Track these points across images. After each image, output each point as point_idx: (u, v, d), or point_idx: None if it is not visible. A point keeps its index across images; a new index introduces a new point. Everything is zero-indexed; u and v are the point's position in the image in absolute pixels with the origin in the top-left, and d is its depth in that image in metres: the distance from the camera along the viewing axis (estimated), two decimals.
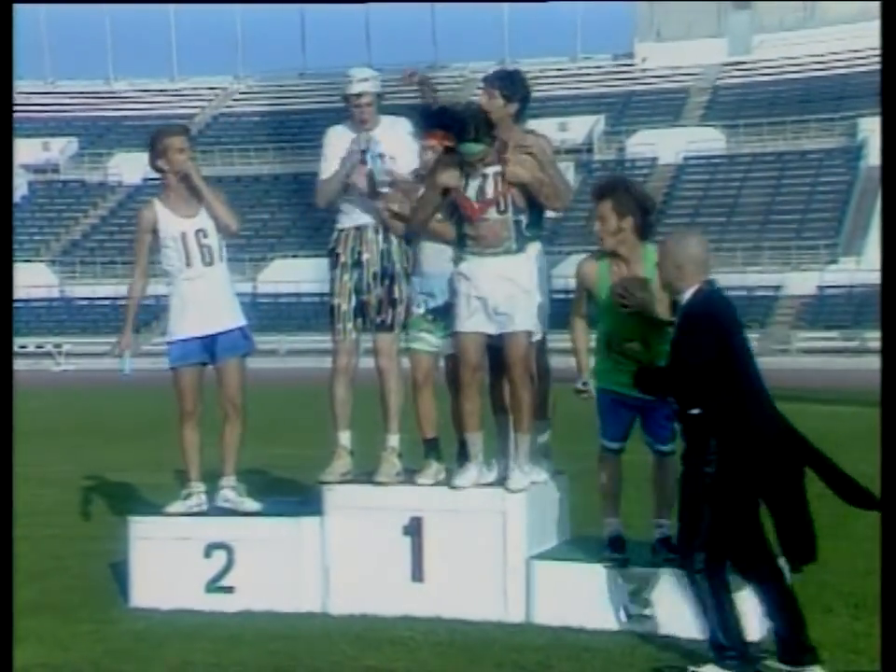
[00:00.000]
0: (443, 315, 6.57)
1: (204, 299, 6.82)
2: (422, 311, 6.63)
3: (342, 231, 6.74)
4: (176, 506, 6.87)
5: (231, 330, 6.87)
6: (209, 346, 6.84)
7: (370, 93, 6.65)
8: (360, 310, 6.69)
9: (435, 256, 6.58)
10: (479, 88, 6.68)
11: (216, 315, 6.82)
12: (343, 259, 6.70)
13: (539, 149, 6.43)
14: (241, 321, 6.95)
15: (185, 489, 6.91)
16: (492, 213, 6.31)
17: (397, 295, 6.65)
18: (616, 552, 6.21)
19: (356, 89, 6.64)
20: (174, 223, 6.86)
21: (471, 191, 6.32)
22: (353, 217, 6.71)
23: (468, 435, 6.48)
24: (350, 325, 6.70)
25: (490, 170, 6.31)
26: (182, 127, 7.18)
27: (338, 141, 6.75)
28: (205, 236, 6.85)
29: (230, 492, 6.85)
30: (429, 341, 6.62)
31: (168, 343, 6.89)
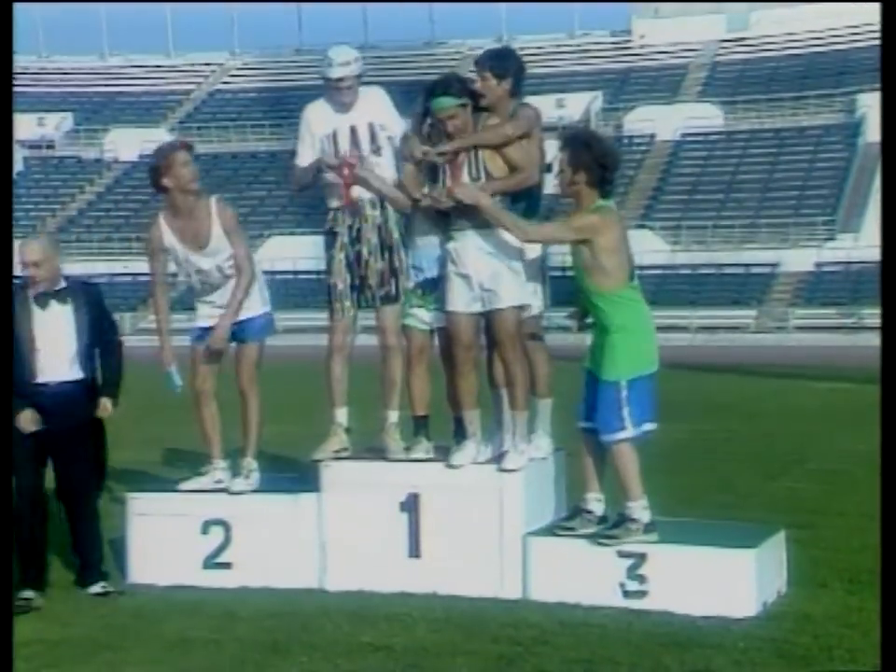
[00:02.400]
0: (433, 288, 6.59)
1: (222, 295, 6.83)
2: (411, 285, 6.65)
3: (336, 209, 6.72)
4: (190, 483, 6.87)
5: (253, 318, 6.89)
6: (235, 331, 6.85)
7: (351, 77, 6.59)
8: (357, 287, 6.69)
9: (422, 228, 6.60)
10: (471, 71, 6.66)
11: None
12: (340, 237, 6.69)
13: (523, 118, 6.43)
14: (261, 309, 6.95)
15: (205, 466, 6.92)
16: (464, 178, 6.31)
17: (398, 265, 6.65)
18: (564, 520, 6.30)
19: (336, 73, 6.57)
20: (180, 250, 6.77)
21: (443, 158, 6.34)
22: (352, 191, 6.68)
23: (464, 413, 6.50)
24: (347, 303, 6.70)
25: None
26: (184, 142, 7.04)
27: (316, 121, 6.73)
28: (219, 269, 6.78)
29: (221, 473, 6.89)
30: (421, 317, 6.64)
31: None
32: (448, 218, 6.42)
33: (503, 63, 6.59)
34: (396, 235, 6.66)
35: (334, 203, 6.71)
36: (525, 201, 6.53)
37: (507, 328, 6.35)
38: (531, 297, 6.55)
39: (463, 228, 6.35)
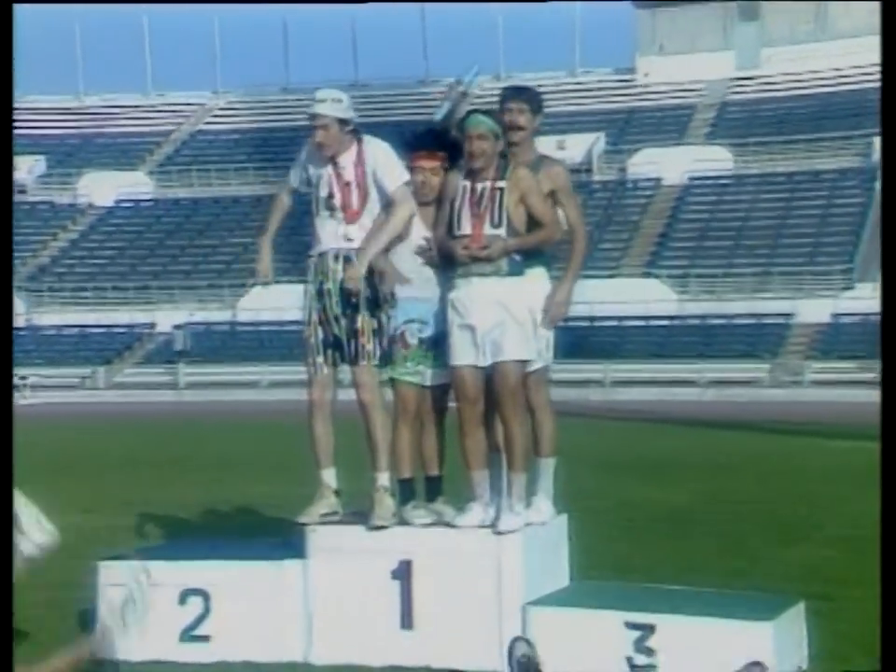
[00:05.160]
0: (436, 343, 6.58)
1: None
2: (415, 342, 6.62)
3: (310, 258, 6.81)
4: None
5: None
6: None
7: (325, 116, 6.64)
8: (331, 342, 6.70)
9: (422, 281, 6.62)
10: (503, 104, 6.67)
11: None
12: (309, 289, 6.77)
13: (564, 183, 6.64)
14: None
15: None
16: (486, 227, 6.36)
17: (359, 325, 6.61)
18: None
19: (311, 109, 6.67)
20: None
21: (466, 202, 6.39)
22: (318, 244, 6.76)
23: (472, 473, 6.49)
24: (320, 358, 6.71)
25: (488, 183, 6.37)
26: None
27: (311, 155, 6.82)
28: None
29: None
30: (426, 374, 6.62)
31: None
32: (450, 265, 6.44)
33: (538, 97, 6.76)
34: (361, 292, 6.62)
35: (311, 251, 6.79)
36: (538, 258, 6.58)
37: (508, 382, 6.34)
38: (536, 350, 6.54)
39: (467, 274, 6.37)
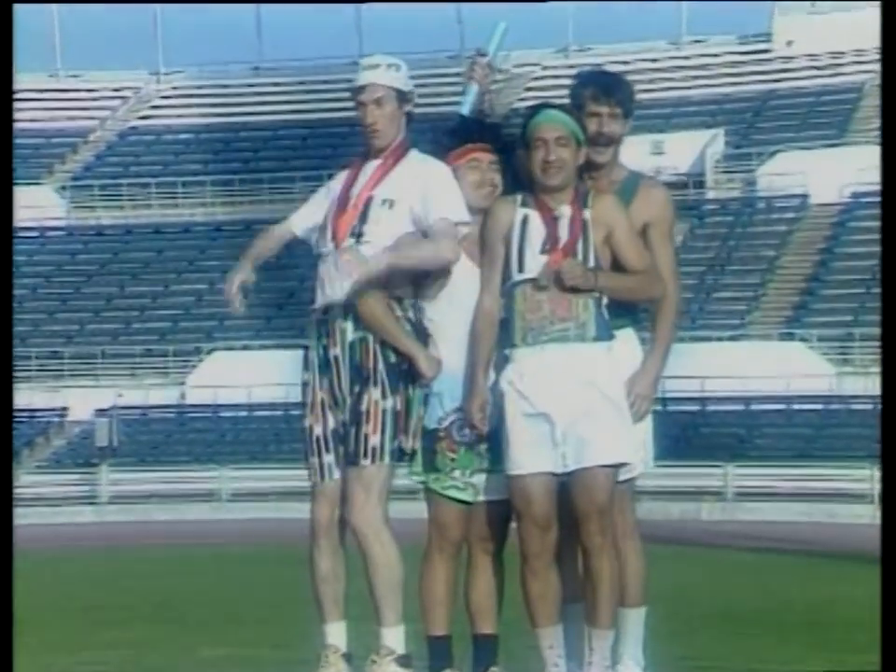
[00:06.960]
0: (496, 440, 6.56)
1: None
2: (468, 440, 6.61)
3: (313, 312, 6.82)
4: None
5: None
6: None
7: (380, 87, 6.75)
8: (342, 435, 6.70)
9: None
10: (583, 103, 6.78)
11: None
12: (312, 357, 6.79)
13: (663, 215, 6.77)
14: None
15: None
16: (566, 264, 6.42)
17: (366, 406, 6.59)
18: None
19: (359, 80, 6.78)
20: None
21: (535, 234, 6.46)
22: (324, 292, 6.74)
23: (539, 632, 6.51)
24: (329, 458, 6.72)
25: (566, 209, 6.47)
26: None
27: (339, 176, 6.95)
28: None
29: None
30: (480, 486, 6.64)
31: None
32: (504, 330, 6.50)
33: (633, 94, 6.91)
34: (373, 363, 6.63)
35: (314, 304, 6.79)
36: (625, 315, 6.67)
37: (597, 498, 6.37)
38: (634, 449, 6.57)
39: (535, 340, 6.41)
